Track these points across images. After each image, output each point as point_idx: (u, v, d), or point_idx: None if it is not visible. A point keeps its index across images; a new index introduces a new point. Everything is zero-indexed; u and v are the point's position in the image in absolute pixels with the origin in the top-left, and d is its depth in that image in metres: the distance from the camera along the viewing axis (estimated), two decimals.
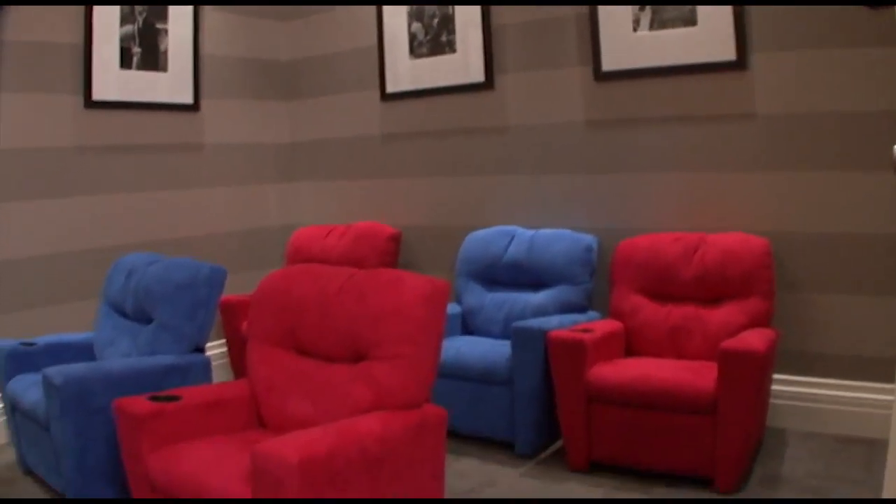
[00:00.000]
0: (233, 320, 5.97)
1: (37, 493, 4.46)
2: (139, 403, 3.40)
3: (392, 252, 5.95)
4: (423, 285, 3.40)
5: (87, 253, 5.61)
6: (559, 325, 4.46)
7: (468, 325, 5.34)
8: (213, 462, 3.18)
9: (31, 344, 4.70)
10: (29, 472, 4.71)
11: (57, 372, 3.93)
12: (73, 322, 5.48)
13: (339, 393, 3.45)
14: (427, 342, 3.36)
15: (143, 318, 4.54)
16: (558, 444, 4.75)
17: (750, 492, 4.05)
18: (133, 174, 5.86)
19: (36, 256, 5.38)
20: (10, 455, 5.04)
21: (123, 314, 4.75)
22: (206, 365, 4.35)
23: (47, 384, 3.93)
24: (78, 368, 4.00)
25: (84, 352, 4.81)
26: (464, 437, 4.85)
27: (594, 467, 4.40)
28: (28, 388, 4.35)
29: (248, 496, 2.92)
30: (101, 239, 5.67)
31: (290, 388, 3.63)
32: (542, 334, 4.41)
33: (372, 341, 3.40)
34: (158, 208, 6.03)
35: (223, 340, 6.30)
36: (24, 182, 5.29)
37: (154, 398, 3.47)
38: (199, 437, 3.50)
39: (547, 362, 4.43)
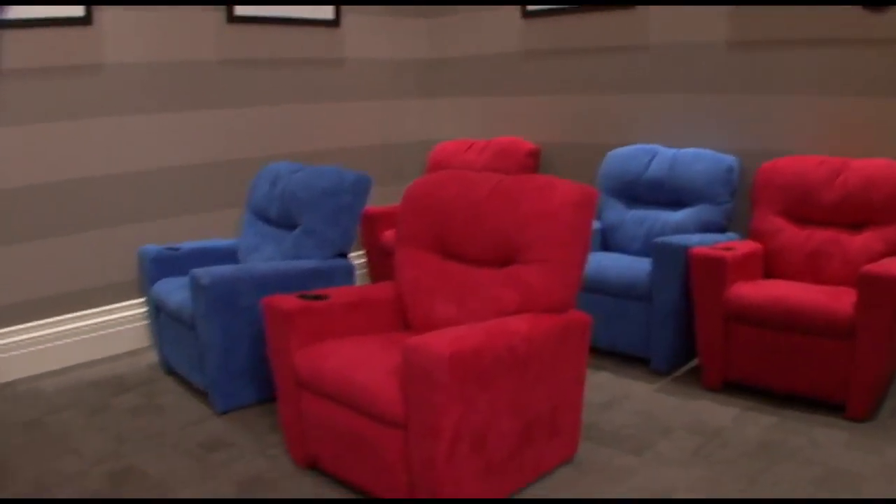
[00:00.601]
0: (372, 231, 6.05)
1: (178, 391, 4.61)
2: (288, 301, 3.47)
3: (531, 167, 5.93)
4: (573, 191, 3.38)
5: (231, 163, 5.72)
6: (700, 243, 4.41)
7: (607, 242, 5.31)
8: (360, 358, 3.22)
9: (176, 249, 4.83)
10: (170, 372, 4.86)
11: (205, 272, 4.03)
12: (216, 229, 5.61)
13: (485, 295, 3.46)
14: (575, 247, 3.35)
15: (288, 224, 4.62)
16: (693, 362, 4.72)
17: (881, 422, 3.97)
18: (275, 87, 5.92)
19: (180, 166, 5.49)
20: (152, 357, 5.20)
21: (267, 220, 4.83)
22: (350, 270, 4.40)
23: (195, 284, 4.03)
24: (225, 269, 4.09)
25: (227, 257, 4.93)
26: (600, 352, 4.86)
27: (728, 387, 4.37)
28: (173, 290, 4.47)
29: (395, 390, 2.97)
30: (244, 150, 5.76)
31: (436, 290, 3.65)
32: (684, 251, 4.36)
33: (521, 245, 3.40)
34: (299, 121, 6.09)
35: (362, 252, 6.38)
36: (170, 94, 5.39)
37: (302, 296, 3.53)
38: (345, 336, 3.56)
39: (687, 280, 4.39)
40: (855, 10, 4.62)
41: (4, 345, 4.87)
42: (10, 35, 4.62)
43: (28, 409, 4.50)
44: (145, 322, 5.39)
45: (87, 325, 5.22)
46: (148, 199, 5.35)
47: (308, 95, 6.09)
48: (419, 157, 6.87)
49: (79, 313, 5.20)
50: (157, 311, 4.70)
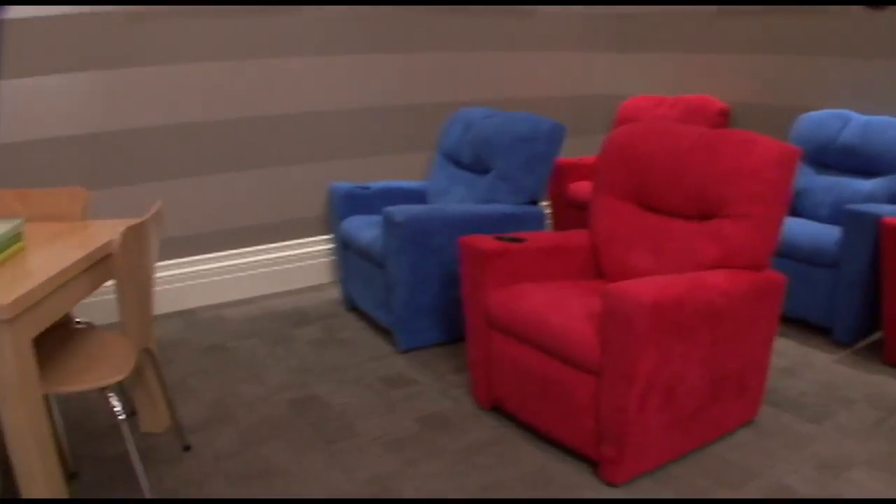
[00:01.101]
0: (558, 182, 6.07)
1: (359, 326, 4.73)
2: (485, 241, 3.51)
3: (722, 126, 5.84)
4: (776, 148, 3.32)
5: (419, 107, 5.78)
6: (893, 213, 4.28)
7: (794, 207, 5.19)
8: (555, 302, 3.25)
9: (366, 187, 4.93)
10: (353, 308, 4.98)
11: (399, 210, 4.11)
12: (402, 172, 5.70)
13: (683, 248, 3.44)
14: (776, 205, 3.30)
15: (480, 168, 4.67)
16: (877, 335, 4.60)
17: None
18: (467, 35, 5.95)
19: (371, 107, 5.59)
20: (334, 292, 5.34)
21: (459, 164, 4.89)
22: (541, 217, 4.43)
23: (389, 221, 4.12)
24: (418, 208, 4.16)
25: (415, 199, 5.02)
26: (782, 317, 4.78)
27: None
28: (363, 227, 4.57)
29: (590, 334, 2.98)
30: (433, 95, 5.82)
31: (633, 240, 3.65)
32: (876, 220, 4.24)
33: (722, 199, 3.36)
34: (489, 69, 6.11)
35: (547, 203, 6.41)
36: (367, 37, 5.48)
37: (499, 238, 3.57)
38: (539, 279, 3.60)
39: (877, 249, 4.27)
40: None
41: (190, 273, 5.07)
42: None
43: (211, 335, 4.69)
44: (329, 258, 5.53)
45: (270, 259, 5.38)
46: (339, 139, 5.47)
47: (499, 44, 6.10)
48: (606, 111, 6.84)
49: (263, 246, 5.37)
50: (345, 247, 4.81)
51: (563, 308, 3.17)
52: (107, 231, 3.17)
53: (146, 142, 4.88)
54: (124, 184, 4.88)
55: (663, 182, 3.56)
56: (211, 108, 5.01)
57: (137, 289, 2.74)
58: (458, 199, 4.66)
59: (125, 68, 4.75)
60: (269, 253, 5.44)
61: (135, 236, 2.64)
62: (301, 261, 5.52)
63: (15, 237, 2.87)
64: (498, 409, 3.67)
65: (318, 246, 5.56)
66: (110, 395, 2.68)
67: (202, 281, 5.22)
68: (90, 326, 3.23)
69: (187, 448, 3.41)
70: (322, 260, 5.57)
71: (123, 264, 2.58)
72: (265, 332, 4.73)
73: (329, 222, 5.53)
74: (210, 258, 5.25)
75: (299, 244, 5.51)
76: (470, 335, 3.63)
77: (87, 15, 4.56)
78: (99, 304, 4.81)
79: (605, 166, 3.81)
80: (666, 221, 3.57)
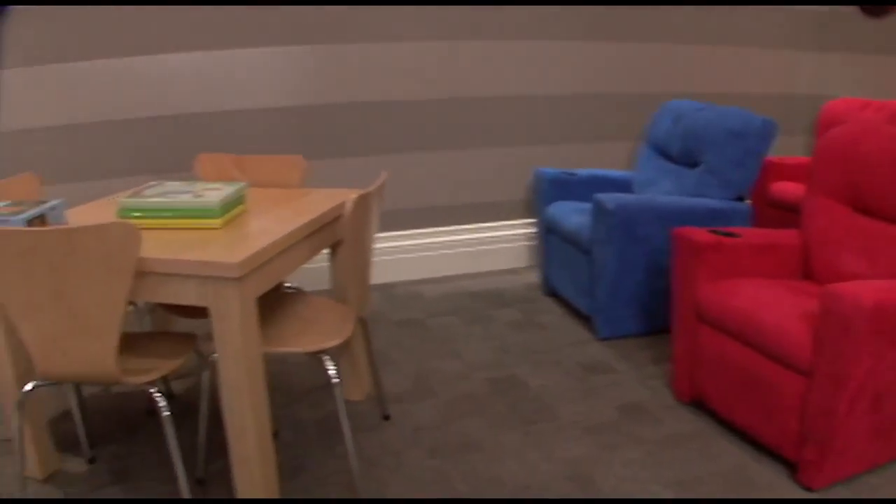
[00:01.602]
0: (760, 181, 5.93)
1: (557, 311, 4.74)
2: (699, 234, 3.47)
3: None
4: None
5: (626, 97, 5.74)
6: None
7: None
8: (768, 300, 3.19)
9: (572, 174, 4.94)
10: (551, 293, 4.99)
11: (610, 198, 4.10)
12: (605, 160, 5.68)
13: None
14: None
15: (689, 161, 4.61)
16: None
17: None
18: (676, 26, 5.86)
19: (578, 94, 5.59)
20: (531, 276, 5.36)
21: (667, 156, 4.85)
22: (748, 214, 4.34)
23: (599, 208, 4.12)
24: (628, 197, 4.15)
25: (621, 188, 5.00)
26: None
27: None
28: (568, 213, 4.58)
29: (804, 334, 2.92)
30: (641, 85, 5.76)
31: (846, 243, 3.55)
32: None
33: None
34: (695, 62, 6.00)
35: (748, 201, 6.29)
36: (581, 24, 5.47)
37: (714, 231, 3.53)
38: (750, 276, 3.54)
39: None
40: None
41: (391, 248, 5.18)
42: None
43: (409, 310, 4.78)
44: (527, 242, 5.55)
45: (471, 239, 5.45)
46: (545, 123, 5.49)
47: (707, 37, 5.99)
48: (808, 112, 6.64)
49: (463, 226, 5.43)
50: (548, 232, 4.83)
51: (776, 306, 3.11)
52: (325, 200, 3.27)
53: (358, 117, 5.02)
54: (335, 155, 5.02)
55: (882, 186, 3.44)
56: (422, 86, 5.11)
57: (360, 257, 2.82)
58: (665, 190, 4.61)
59: (342, 44, 4.88)
60: (469, 233, 5.50)
61: (363, 205, 2.71)
62: (500, 243, 5.56)
63: (239, 199, 3.00)
64: (697, 402, 3.63)
65: (517, 229, 5.59)
66: (326, 358, 2.77)
67: (402, 256, 5.33)
68: (300, 291, 3.34)
69: (387, 417, 3.49)
70: (521, 243, 5.61)
71: (351, 232, 2.65)
72: (463, 310, 4.79)
73: (531, 206, 5.56)
74: (410, 234, 5.36)
75: (499, 226, 5.56)
76: (676, 327, 3.59)
77: None
78: (305, 271, 4.97)
79: (821, 166, 3.71)
80: (882, 226, 3.45)
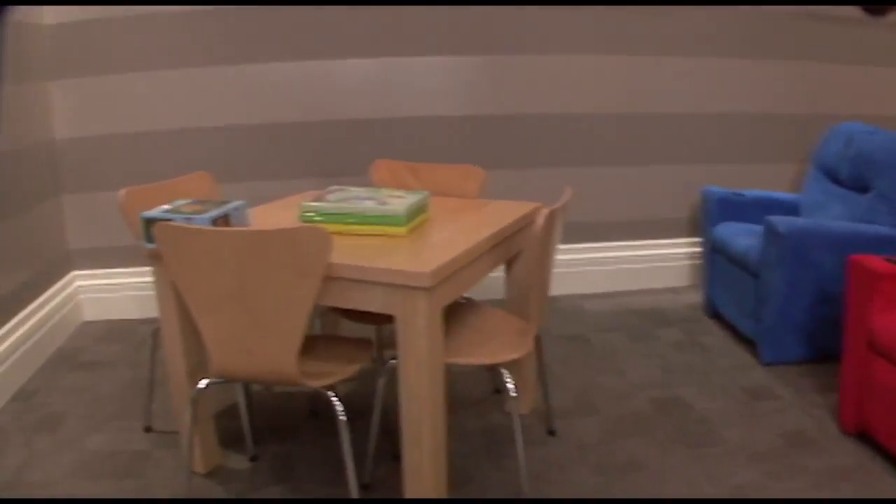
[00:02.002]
0: None
1: (720, 333, 4.72)
2: (875, 262, 3.42)
3: None
4: None
5: (798, 118, 5.64)
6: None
7: None
8: None
9: (741, 195, 4.91)
10: (713, 314, 4.96)
11: (782, 221, 4.07)
12: (770, 182, 5.62)
13: None
14: None
15: (859, 186, 4.53)
16: None
17: None
18: (841, 46, 5.69)
19: (748, 113, 5.54)
20: (692, 296, 5.34)
21: (836, 180, 4.77)
22: None
23: (770, 231, 4.09)
24: (801, 221, 4.10)
25: (788, 210, 4.95)
26: None
27: None
28: (737, 234, 4.56)
29: None
30: (813, 106, 5.66)
31: None
32: None
33: None
34: (863, 83, 5.81)
35: None
36: (746, 41, 5.42)
37: (889, 260, 3.47)
38: None
39: None
40: None
41: (555, 260, 5.20)
42: None
43: (572, 325, 4.83)
44: (689, 261, 5.54)
45: (633, 256, 5.47)
46: (712, 142, 5.46)
47: (879, 58, 5.77)
48: None
49: (626, 242, 5.45)
50: (714, 252, 4.81)
51: None
52: (507, 212, 3.33)
53: (528, 128, 5.11)
54: (504, 166, 5.11)
55: None
56: (592, 100, 5.16)
57: (544, 273, 2.87)
58: (834, 215, 4.55)
59: (518, 55, 4.97)
60: (632, 250, 5.52)
61: (553, 221, 2.76)
62: (662, 261, 5.56)
63: (422, 208, 3.09)
64: (863, 434, 3.57)
65: (679, 248, 5.58)
66: (504, 371, 2.83)
67: (566, 270, 5.38)
68: (474, 302, 3.41)
69: (552, 433, 3.54)
70: (682, 262, 5.59)
71: (539, 246, 2.70)
72: (626, 327, 4.81)
73: (695, 225, 5.54)
74: (575, 248, 5.40)
75: (661, 244, 5.56)
76: (845, 356, 3.55)
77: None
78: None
79: None
80: None
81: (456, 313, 3.24)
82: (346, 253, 2.62)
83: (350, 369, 2.71)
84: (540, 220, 2.63)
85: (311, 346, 2.93)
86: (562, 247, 5.38)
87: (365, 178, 5.13)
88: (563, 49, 5.07)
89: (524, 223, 3.31)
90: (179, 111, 5.01)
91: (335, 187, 3.30)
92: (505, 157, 5.18)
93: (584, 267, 5.48)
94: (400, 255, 2.59)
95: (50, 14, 4.83)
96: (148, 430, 3.66)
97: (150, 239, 2.73)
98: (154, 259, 2.89)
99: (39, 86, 4.76)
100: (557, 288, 5.44)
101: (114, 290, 5.26)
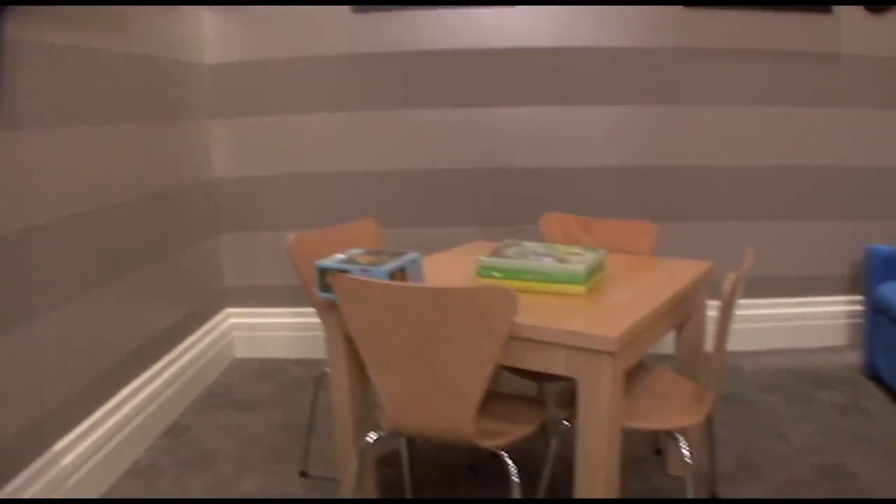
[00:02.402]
0: None
1: (883, 398, 4.54)
2: None
3: None
4: None
5: None
6: None
7: None
8: None
9: None
10: (875, 377, 4.79)
11: None
12: None
13: None
14: None
15: None
16: None
17: None
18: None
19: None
20: (850, 356, 5.18)
21: None
22: None
23: None
24: None
25: None
26: None
27: None
28: None
29: None
30: None
31: None
32: None
33: None
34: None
35: None
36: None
37: None
38: None
39: None
40: None
41: (711, 317, 5.09)
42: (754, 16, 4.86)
43: (731, 384, 4.72)
44: (848, 320, 5.37)
45: (788, 313, 5.33)
46: (870, 196, 5.27)
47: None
48: None
49: (781, 299, 5.34)
50: (877, 313, 4.64)
51: None
52: (682, 271, 3.25)
53: (689, 180, 5.02)
54: (665, 220, 5.05)
55: None
56: (752, 152, 5.07)
57: (727, 334, 2.79)
58: None
59: (677, 105, 4.91)
60: (788, 307, 5.38)
61: (738, 285, 2.68)
62: (818, 319, 5.41)
63: (600, 266, 3.04)
64: None
65: (837, 306, 5.41)
66: (681, 438, 2.76)
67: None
68: (643, 364, 3.34)
69: (716, 498, 3.44)
70: (840, 321, 5.42)
71: (726, 310, 2.64)
72: (784, 388, 4.68)
73: (855, 283, 5.36)
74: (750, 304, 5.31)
75: (818, 302, 5.40)
76: None
77: (632, 50, 4.77)
78: None
79: None
80: None
81: (630, 374, 3.18)
82: (527, 312, 2.58)
83: (524, 430, 2.68)
84: (727, 286, 2.56)
85: (484, 403, 2.90)
86: (714, 302, 5.26)
87: (525, 227, 5.12)
88: (725, 100, 5.00)
89: (699, 284, 3.23)
90: (337, 154, 5.07)
91: (510, 241, 3.28)
92: (663, 209, 5.11)
93: (739, 324, 5.36)
94: (582, 316, 2.54)
95: (212, 54, 4.94)
96: (303, 474, 3.67)
97: (324, 288, 2.74)
98: (327, 309, 2.89)
99: (200, 124, 4.87)
100: (713, 344, 5.32)
101: (266, 329, 5.33)
